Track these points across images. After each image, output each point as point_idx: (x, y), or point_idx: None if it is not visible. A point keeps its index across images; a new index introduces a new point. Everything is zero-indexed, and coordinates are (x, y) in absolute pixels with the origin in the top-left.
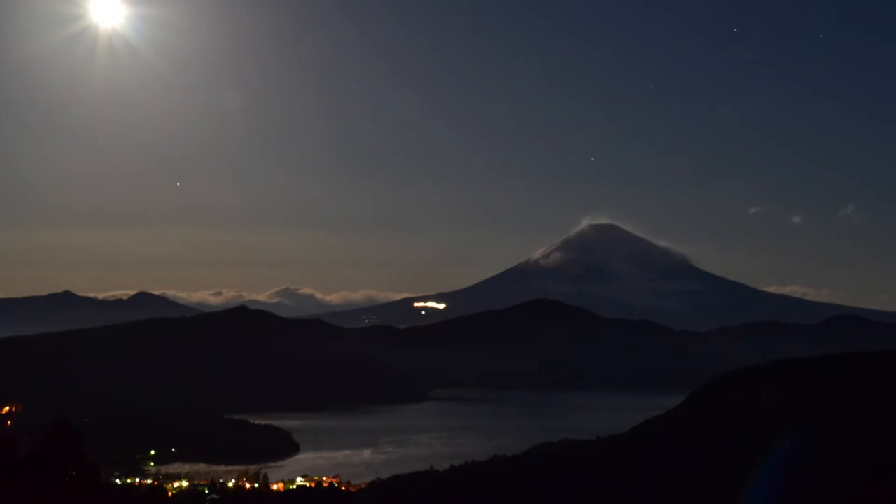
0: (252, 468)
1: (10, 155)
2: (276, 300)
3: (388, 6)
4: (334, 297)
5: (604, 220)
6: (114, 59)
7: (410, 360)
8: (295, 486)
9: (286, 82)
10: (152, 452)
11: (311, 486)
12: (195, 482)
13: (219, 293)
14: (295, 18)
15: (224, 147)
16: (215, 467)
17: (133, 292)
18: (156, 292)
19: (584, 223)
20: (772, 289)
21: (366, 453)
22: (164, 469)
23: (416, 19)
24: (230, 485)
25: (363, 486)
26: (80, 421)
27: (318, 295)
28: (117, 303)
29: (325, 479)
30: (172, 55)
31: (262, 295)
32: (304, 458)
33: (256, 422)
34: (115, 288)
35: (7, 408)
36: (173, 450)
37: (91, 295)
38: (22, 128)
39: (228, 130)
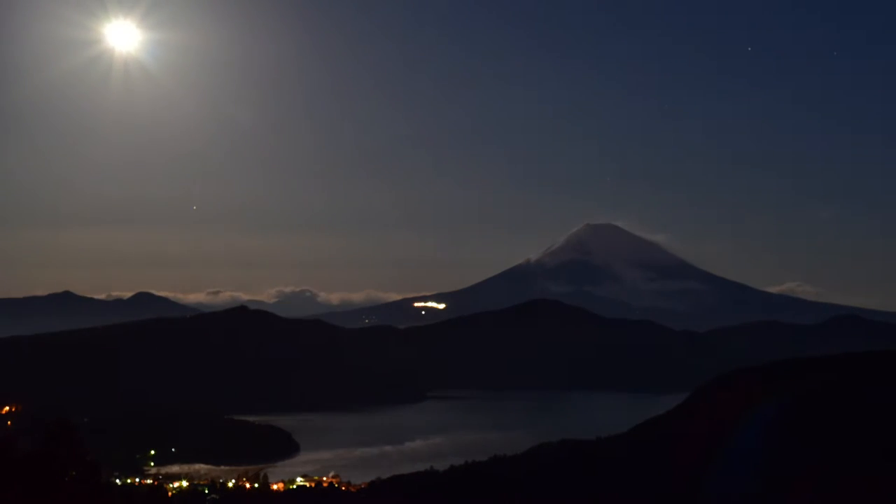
0: (252, 468)
1: (14, 160)
2: (276, 300)
3: (387, 19)
4: (334, 297)
5: (604, 220)
6: (128, 82)
7: (410, 361)
8: (295, 486)
9: (291, 94)
10: (152, 452)
11: (311, 486)
12: (195, 482)
13: (219, 293)
14: (298, 38)
15: (226, 151)
16: (215, 467)
17: (133, 292)
18: (156, 292)
19: (584, 223)
20: (772, 289)
21: (366, 453)
22: (164, 469)
23: (417, 20)
24: (230, 485)
25: (363, 486)
26: (80, 421)
27: (318, 295)
28: (117, 303)
29: (325, 479)
30: (181, 76)
31: (262, 295)
32: (304, 458)
33: (256, 422)
34: (115, 288)
35: (7, 408)
36: (173, 450)
37: (91, 295)
38: (35, 145)
39: (232, 137)
